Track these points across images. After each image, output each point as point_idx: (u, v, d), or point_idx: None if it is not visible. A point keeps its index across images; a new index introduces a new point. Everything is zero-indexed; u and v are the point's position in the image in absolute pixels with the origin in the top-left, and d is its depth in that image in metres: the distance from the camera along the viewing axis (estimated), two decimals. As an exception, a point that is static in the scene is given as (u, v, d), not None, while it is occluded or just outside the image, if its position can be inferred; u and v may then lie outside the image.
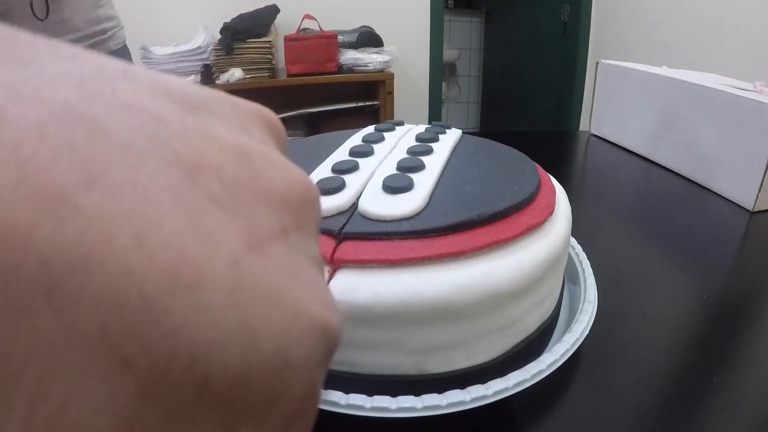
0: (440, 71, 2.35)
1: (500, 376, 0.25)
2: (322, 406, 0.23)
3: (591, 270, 0.34)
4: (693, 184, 0.60)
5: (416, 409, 0.23)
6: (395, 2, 2.16)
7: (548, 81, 2.61)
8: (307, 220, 0.10)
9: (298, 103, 1.93)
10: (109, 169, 0.07)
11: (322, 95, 1.98)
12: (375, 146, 0.34)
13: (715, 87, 0.57)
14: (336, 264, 0.23)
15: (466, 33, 3.46)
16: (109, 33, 0.77)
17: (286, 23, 1.98)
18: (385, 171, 0.29)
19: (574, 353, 0.27)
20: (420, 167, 0.29)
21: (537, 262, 0.25)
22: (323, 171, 0.30)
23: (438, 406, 0.23)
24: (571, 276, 0.35)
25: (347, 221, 0.25)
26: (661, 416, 0.27)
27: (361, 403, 0.23)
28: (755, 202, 0.52)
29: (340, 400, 0.23)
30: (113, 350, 0.07)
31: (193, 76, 1.84)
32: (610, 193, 0.62)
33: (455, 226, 0.24)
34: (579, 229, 0.35)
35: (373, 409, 0.23)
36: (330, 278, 0.23)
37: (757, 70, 1.42)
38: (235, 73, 1.77)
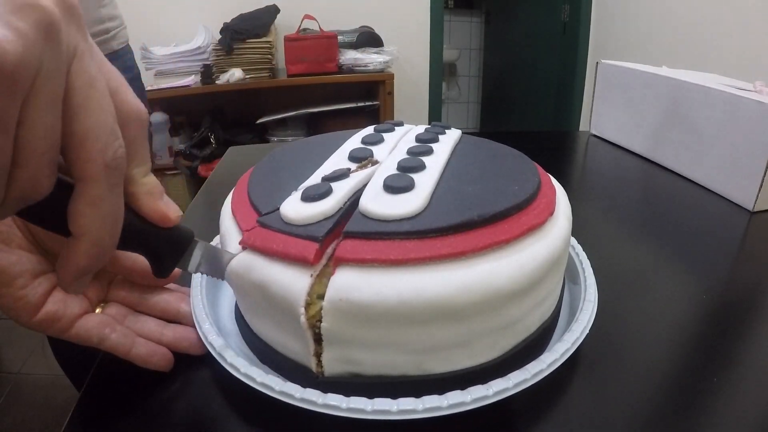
0: (440, 71, 2.35)
1: (501, 376, 0.25)
2: (323, 410, 0.23)
3: (591, 270, 0.34)
4: (693, 184, 0.60)
5: (417, 411, 0.23)
6: (395, 2, 2.16)
7: (548, 81, 2.61)
8: None
9: (298, 103, 1.93)
10: None
11: (322, 95, 1.98)
12: (374, 147, 0.34)
13: (715, 87, 0.57)
14: (337, 262, 0.24)
15: (466, 33, 3.46)
16: (111, 33, 0.77)
17: (286, 23, 1.98)
18: (385, 171, 0.29)
19: (574, 353, 0.27)
20: (421, 167, 0.29)
21: (538, 263, 0.25)
22: (322, 173, 0.30)
23: (439, 408, 0.23)
24: (571, 276, 0.35)
25: (347, 220, 0.25)
26: (662, 416, 0.27)
27: (362, 407, 0.23)
28: (755, 202, 0.52)
29: (341, 404, 0.23)
30: None
31: (193, 76, 1.84)
32: (610, 193, 0.62)
33: (456, 226, 0.24)
34: (579, 229, 0.35)
35: (374, 411, 0.23)
36: (322, 275, 0.24)
37: (757, 70, 1.42)
38: (235, 73, 1.77)
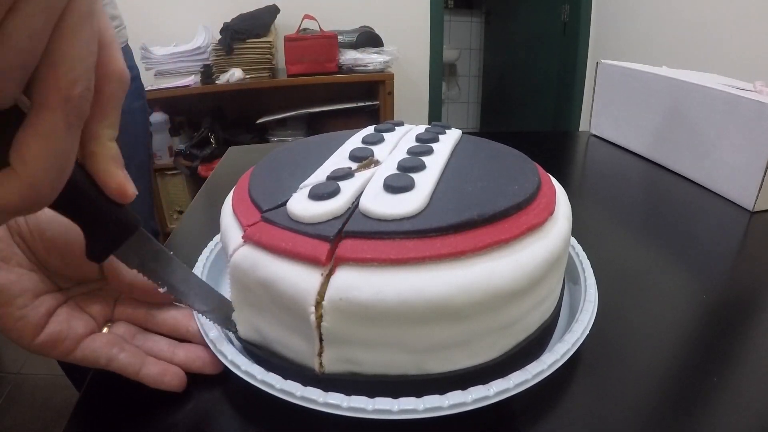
0: (440, 71, 2.35)
1: (501, 376, 0.25)
2: (324, 409, 0.23)
3: (591, 270, 0.34)
4: (693, 184, 0.60)
5: (418, 410, 0.23)
6: (395, 2, 2.16)
7: (548, 81, 2.61)
8: None
9: (298, 103, 1.93)
10: None
11: (322, 95, 1.98)
12: (375, 147, 0.34)
13: (715, 87, 0.57)
14: (337, 262, 0.24)
15: (466, 33, 3.46)
16: None
17: (286, 23, 1.98)
18: (386, 171, 0.29)
19: (574, 353, 0.27)
20: (421, 167, 0.29)
21: (537, 262, 0.25)
22: (324, 172, 0.30)
23: (440, 408, 0.23)
24: (571, 276, 0.35)
25: (348, 220, 0.25)
26: (662, 416, 0.27)
27: (362, 406, 0.23)
28: (755, 202, 0.52)
29: (341, 403, 0.23)
30: None
31: (193, 76, 1.84)
32: (610, 193, 0.62)
33: (456, 225, 0.24)
34: (579, 229, 0.35)
35: (375, 411, 0.23)
36: (330, 275, 0.24)
37: (757, 70, 1.42)
38: (235, 73, 1.77)
